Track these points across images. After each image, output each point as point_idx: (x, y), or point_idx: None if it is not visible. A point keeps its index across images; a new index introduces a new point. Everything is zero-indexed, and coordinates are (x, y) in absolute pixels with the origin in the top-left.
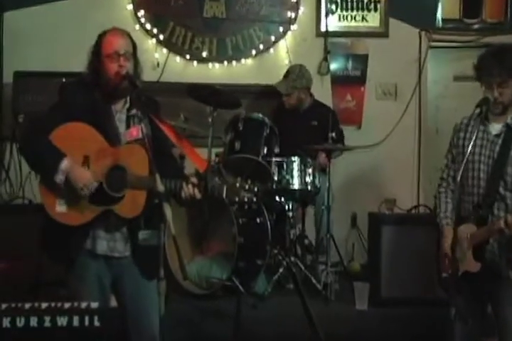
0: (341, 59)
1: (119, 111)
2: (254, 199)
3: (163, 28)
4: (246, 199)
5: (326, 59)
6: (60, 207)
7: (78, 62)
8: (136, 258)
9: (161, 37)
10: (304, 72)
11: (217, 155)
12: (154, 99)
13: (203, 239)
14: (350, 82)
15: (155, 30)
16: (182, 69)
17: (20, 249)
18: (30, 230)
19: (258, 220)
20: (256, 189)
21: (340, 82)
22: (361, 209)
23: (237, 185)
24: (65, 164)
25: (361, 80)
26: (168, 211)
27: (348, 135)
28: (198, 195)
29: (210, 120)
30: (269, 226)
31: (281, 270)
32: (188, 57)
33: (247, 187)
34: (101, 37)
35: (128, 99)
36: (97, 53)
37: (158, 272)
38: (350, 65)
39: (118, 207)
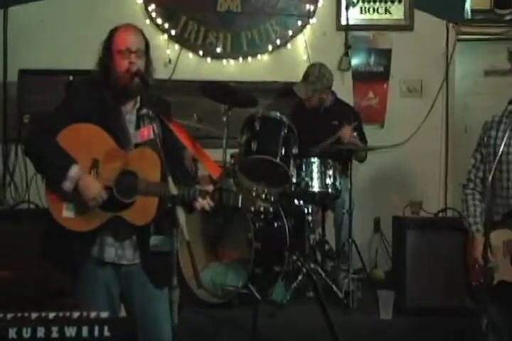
0: (363, 54)
1: (129, 112)
2: (271, 210)
3: (175, 22)
4: (262, 209)
5: (346, 54)
6: (68, 212)
7: (86, 60)
8: (146, 265)
9: (173, 32)
10: (325, 72)
11: (232, 156)
12: (165, 100)
13: (218, 245)
14: (372, 78)
15: (166, 25)
16: (195, 66)
17: (26, 256)
18: (36, 237)
19: (276, 224)
20: (273, 198)
21: (362, 78)
22: (385, 212)
23: (254, 194)
24: (74, 171)
25: (384, 76)
26: (181, 215)
27: (371, 134)
28: (211, 206)
29: (224, 119)
30: (287, 231)
31: (300, 277)
32: (201, 53)
33: (263, 196)
34: (112, 32)
35: (138, 99)
36: (108, 49)
37: (170, 280)
38: (372, 60)
39: (128, 213)
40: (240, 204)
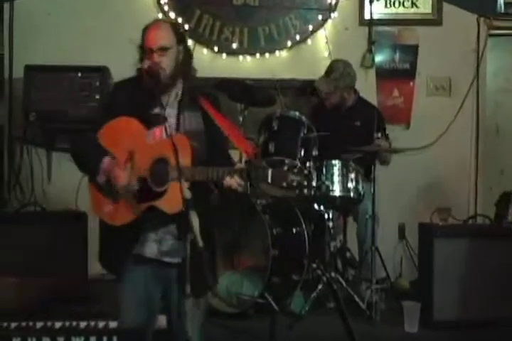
0: (388, 50)
1: (170, 104)
2: (305, 183)
3: (189, 16)
4: (295, 183)
5: (370, 50)
6: (108, 206)
7: (96, 55)
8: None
9: (187, 27)
10: (349, 71)
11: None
12: (210, 93)
13: (234, 252)
14: (397, 76)
15: (180, 20)
16: (209, 62)
17: (32, 261)
18: (43, 241)
19: (294, 230)
20: (306, 171)
21: (386, 76)
22: (410, 219)
23: (285, 167)
24: (105, 164)
25: (410, 74)
26: (195, 220)
27: (395, 136)
28: (240, 185)
29: (241, 119)
30: (306, 238)
31: (320, 286)
32: (216, 49)
33: (295, 170)
34: (142, 32)
35: (180, 92)
36: (140, 49)
37: (184, 288)
38: (397, 56)
39: (161, 202)
40: (269, 180)
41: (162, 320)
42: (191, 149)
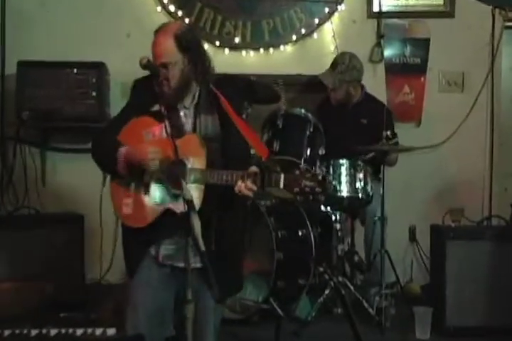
0: (397, 44)
1: (187, 106)
2: (318, 190)
3: (189, 10)
4: (308, 189)
5: (379, 44)
6: (126, 208)
7: (92, 50)
8: (206, 272)
9: (187, 20)
10: (355, 63)
11: (252, 157)
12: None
13: None
14: (408, 71)
15: (180, 13)
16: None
17: (27, 266)
18: (38, 245)
19: (300, 233)
20: (320, 177)
21: (396, 71)
22: (421, 220)
23: (297, 172)
24: (122, 152)
25: (421, 69)
26: (196, 223)
27: (406, 133)
28: (251, 190)
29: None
30: (312, 240)
31: (327, 291)
32: (217, 43)
33: (308, 175)
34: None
35: (197, 94)
36: None
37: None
38: (408, 51)
39: (178, 204)
40: (281, 185)
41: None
42: (205, 151)
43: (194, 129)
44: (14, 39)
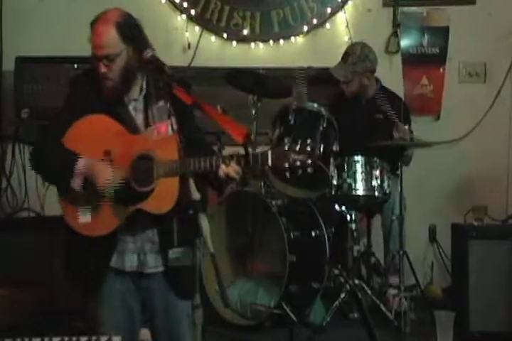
0: (415, 33)
1: (135, 99)
2: (309, 162)
3: (195, 0)
4: (298, 163)
5: (395, 34)
6: (84, 217)
7: None
8: (170, 273)
9: (193, 12)
10: (368, 53)
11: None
12: (179, 80)
13: (247, 258)
14: (426, 61)
15: (185, 4)
16: (218, 51)
17: (26, 271)
18: (37, 249)
19: (313, 234)
20: (309, 149)
21: (413, 62)
22: (442, 219)
23: (286, 147)
24: (80, 165)
25: (440, 59)
26: (204, 223)
27: (424, 128)
28: (238, 173)
29: (253, 112)
30: (327, 241)
31: (342, 295)
32: (225, 36)
33: (297, 148)
34: (92, 26)
35: (144, 85)
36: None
37: (193, 296)
38: (426, 40)
39: (148, 203)
40: (270, 163)
41: (145, 334)
42: (176, 140)
43: (147, 120)
44: (12, 34)
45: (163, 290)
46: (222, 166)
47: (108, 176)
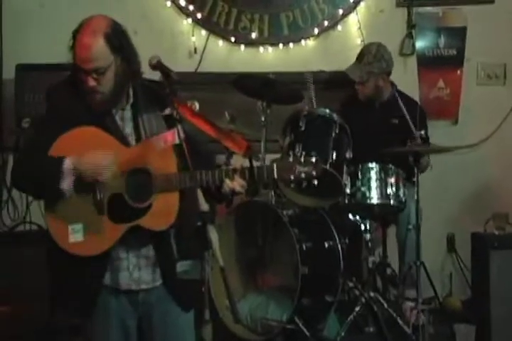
0: (431, 34)
1: (122, 108)
2: (314, 173)
3: (202, 3)
4: (303, 175)
5: (410, 35)
6: (75, 235)
7: None
8: (170, 286)
9: (199, 15)
10: (383, 53)
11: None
12: (158, 82)
13: (257, 271)
14: (442, 63)
15: (191, 8)
16: (226, 55)
17: (27, 287)
18: (40, 264)
19: (326, 245)
20: (314, 160)
21: (429, 64)
22: (461, 228)
23: (290, 159)
24: (68, 164)
25: (457, 61)
26: (213, 235)
27: (441, 132)
28: (243, 187)
29: (263, 119)
30: (340, 253)
31: (357, 308)
32: (233, 39)
33: (302, 159)
34: (74, 32)
35: (131, 93)
36: (73, 57)
37: (198, 309)
38: (442, 41)
39: (146, 219)
40: (275, 175)
41: None
42: (174, 152)
43: (137, 131)
44: (12, 41)
45: (162, 303)
46: (227, 180)
47: (100, 161)
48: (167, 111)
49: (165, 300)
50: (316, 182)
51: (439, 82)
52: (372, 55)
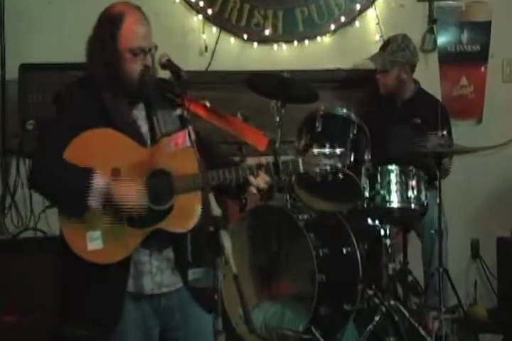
0: (453, 29)
1: (136, 107)
2: (339, 165)
3: None
4: (329, 168)
5: (431, 30)
6: (94, 243)
7: None
8: (191, 288)
9: (210, 12)
10: (408, 44)
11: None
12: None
13: (272, 278)
14: (465, 60)
15: (201, 3)
16: (238, 53)
17: (33, 296)
18: (45, 272)
19: (344, 251)
20: (339, 152)
21: (452, 60)
22: (486, 233)
23: (315, 152)
24: (99, 183)
25: (481, 57)
26: (227, 241)
27: (465, 133)
28: (267, 183)
29: (277, 119)
30: (359, 259)
31: (377, 318)
32: (245, 36)
33: (327, 152)
34: (116, 17)
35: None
36: (112, 42)
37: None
38: (465, 36)
39: (168, 222)
40: (301, 169)
41: None
42: (195, 151)
43: (152, 129)
44: (16, 40)
45: (184, 306)
46: (251, 177)
47: (135, 197)
48: (178, 111)
49: (187, 303)
50: (341, 175)
51: (462, 79)
52: (397, 44)
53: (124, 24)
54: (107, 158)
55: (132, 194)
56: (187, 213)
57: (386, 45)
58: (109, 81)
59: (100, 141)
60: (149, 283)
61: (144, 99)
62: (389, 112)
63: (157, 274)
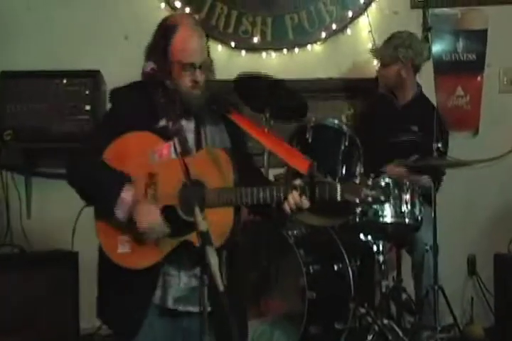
0: (448, 38)
1: (187, 118)
2: (382, 198)
3: (199, 5)
4: (370, 199)
5: (426, 39)
6: (124, 246)
7: (85, 57)
8: (216, 317)
9: (196, 18)
10: (412, 42)
11: (276, 178)
12: (226, 98)
13: (261, 295)
14: (461, 69)
15: (187, 9)
16: (226, 61)
17: (9, 315)
18: (23, 289)
19: (336, 267)
20: (383, 183)
21: (447, 70)
22: (482, 249)
23: (357, 181)
24: (127, 197)
25: (478, 66)
26: (213, 258)
27: (460, 144)
28: (306, 203)
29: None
30: (351, 276)
31: (370, 337)
32: (233, 44)
33: (369, 182)
34: (169, 30)
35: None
36: (163, 54)
37: None
38: (460, 45)
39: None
40: (339, 197)
41: None
42: (233, 166)
43: (199, 142)
44: None
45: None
46: (289, 197)
47: (152, 224)
48: (162, 122)
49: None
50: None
51: (458, 89)
52: (401, 40)
53: (175, 37)
54: (144, 162)
55: (148, 222)
56: (216, 228)
57: (391, 38)
58: (163, 88)
59: (141, 143)
60: (174, 296)
61: (192, 113)
62: (388, 115)
63: (185, 290)
